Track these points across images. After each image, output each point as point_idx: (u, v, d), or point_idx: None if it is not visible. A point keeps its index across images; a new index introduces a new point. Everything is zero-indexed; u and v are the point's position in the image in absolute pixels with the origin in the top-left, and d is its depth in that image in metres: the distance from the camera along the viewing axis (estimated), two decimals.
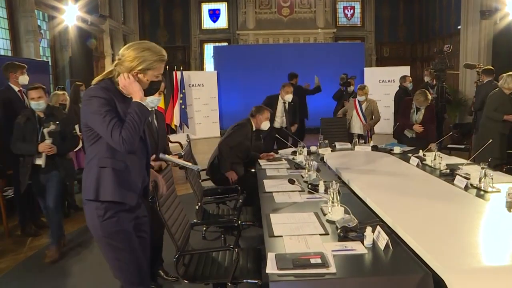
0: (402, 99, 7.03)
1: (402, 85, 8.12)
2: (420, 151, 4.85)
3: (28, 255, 4.49)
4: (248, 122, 5.13)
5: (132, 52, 2.26)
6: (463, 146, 7.68)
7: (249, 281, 2.64)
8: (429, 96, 5.76)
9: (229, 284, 2.63)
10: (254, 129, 5.14)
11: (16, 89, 4.85)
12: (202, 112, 12.69)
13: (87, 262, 4.32)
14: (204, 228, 4.11)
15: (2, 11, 7.20)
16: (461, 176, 3.58)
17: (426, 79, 8.49)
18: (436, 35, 14.16)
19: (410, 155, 4.79)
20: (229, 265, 2.66)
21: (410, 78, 8.73)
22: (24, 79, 4.86)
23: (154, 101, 3.29)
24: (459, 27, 11.97)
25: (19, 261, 4.34)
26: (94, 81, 2.33)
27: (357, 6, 16.29)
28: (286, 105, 6.74)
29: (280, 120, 6.87)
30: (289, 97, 6.70)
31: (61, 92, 5.76)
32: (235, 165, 4.84)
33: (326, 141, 5.45)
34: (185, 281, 2.66)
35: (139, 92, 2.24)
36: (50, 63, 8.24)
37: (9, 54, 7.21)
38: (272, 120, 6.79)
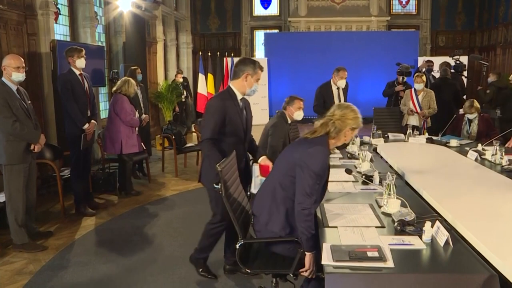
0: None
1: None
2: (479, 145, 4.63)
3: (82, 234, 4.66)
4: (282, 118, 4.89)
5: (351, 113, 2.64)
6: None
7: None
8: (476, 104, 5.55)
9: (290, 275, 2.58)
10: (289, 121, 4.93)
11: (77, 72, 4.97)
12: (252, 99, 12.48)
13: (137, 244, 4.43)
14: None
15: None
16: None
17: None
18: (499, 22, 13.42)
19: (467, 148, 4.59)
20: (291, 256, 2.56)
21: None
22: (81, 62, 4.96)
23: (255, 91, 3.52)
24: None
25: (75, 239, 4.51)
26: (314, 136, 2.64)
27: None
28: (340, 91, 6.42)
29: None
30: (342, 83, 6.30)
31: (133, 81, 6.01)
32: None
33: (379, 132, 5.31)
34: (246, 270, 2.63)
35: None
36: (105, 48, 8.43)
37: (68, 39, 7.44)
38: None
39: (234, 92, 3.43)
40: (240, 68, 3.40)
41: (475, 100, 5.64)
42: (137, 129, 5.99)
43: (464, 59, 10.48)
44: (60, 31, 7.32)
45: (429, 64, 8.94)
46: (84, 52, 5.00)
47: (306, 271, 2.48)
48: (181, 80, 10.74)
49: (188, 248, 4.22)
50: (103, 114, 8.70)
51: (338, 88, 6.26)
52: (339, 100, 6.32)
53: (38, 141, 4.18)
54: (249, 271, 2.63)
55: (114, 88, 5.92)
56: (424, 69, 8.63)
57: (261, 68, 3.44)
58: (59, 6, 7.25)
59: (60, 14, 7.31)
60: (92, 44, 7.47)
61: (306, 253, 2.46)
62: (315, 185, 2.49)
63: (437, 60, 9.93)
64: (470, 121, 5.63)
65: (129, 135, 5.82)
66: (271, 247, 2.69)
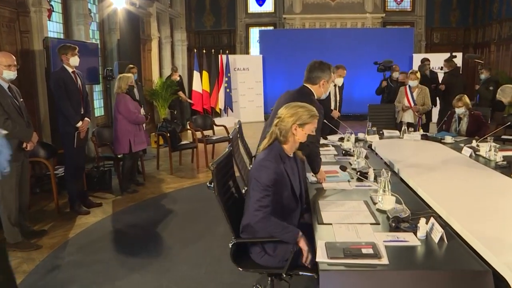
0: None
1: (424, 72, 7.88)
2: (474, 141, 4.64)
3: (77, 232, 4.64)
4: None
5: (291, 110, 2.60)
6: None
7: (305, 273, 2.52)
8: (466, 99, 5.50)
9: (284, 275, 2.55)
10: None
11: (70, 70, 4.93)
12: (247, 96, 12.69)
13: (132, 242, 4.41)
14: None
15: None
16: None
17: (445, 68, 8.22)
18: (493, 19, 13.47)
19: (462, 145, 4.59)
20: (285, 255, 2.52)
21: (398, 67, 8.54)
22: (74, 60, 4.92)
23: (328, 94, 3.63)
24: None
25: (69, 238, 4.48)
26: (263, 147, 2.65)
27: None
28: (336, 88, 6.39)
29: (333, 105, 6.33)
30: (340, 81, 6.26)
31: (128, 75, 6.02)
32: None
33: (374, 128, 5.31)
34: (239, 268, 2.62)
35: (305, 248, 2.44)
36: (99, 46, 8.39)
37: (62, 37, 7.40)
38: (328, 106, 6.27)
39: (313, 93, 3.42)
40: (317, 75, 3.38)
41: (465, 95, 5.62)
42: (144, 125, 6.05)
43: (459, 57, 10.55)
44: (54, 28, 7.28)
45: (425, 62, 8.95)
46: (77, 50, 4.97)
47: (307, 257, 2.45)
48: (178, 78, 10.71)
49: (183, 246, 4.22)
50: (97, 112, 8.67)
51: (335, 85, 6.24)
52: (335, 98, 6.31)
53: (31, 139, 4.15)
54: (241, 269, 2.62)
55: (114, 90, 5.98)
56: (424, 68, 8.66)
57: (334, 71, 3.43)
58: (52, 3, 7.20)
59: (53, 11, 7.27)
60: (86, 41, 7.43)
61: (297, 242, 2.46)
62: (265, 198, 2.45)
63: (433, 57, 9.98)
64: (460, 118, 5.62)
65: (136, 133, 5.87)
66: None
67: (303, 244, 2.43)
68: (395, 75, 8.44)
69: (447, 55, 9.28)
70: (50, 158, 5.53)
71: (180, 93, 10.64)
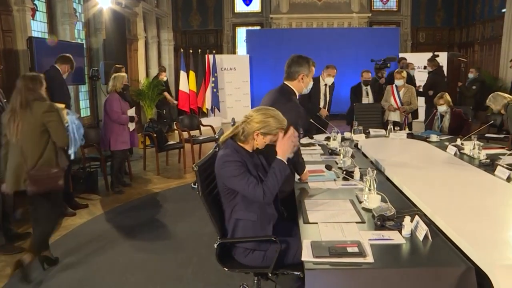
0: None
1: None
2: (458, 139, 4.69)
3: (62, 234, 4.60)
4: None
5: (260, 116, 2.58)
6: (502, 136, 7.38)
7: (290, 272, 2.51)
8: (447, 97, 5.57)
9: (270, 274, 2.53)
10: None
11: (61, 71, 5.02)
12: (234, 96, 12.68)
13: (118, 244, 4.39)
14: None
15: None
16: (503, 166, 3.43)
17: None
18: (476, 19, 13.64)
19: (447, 143, 4.64)
20: (271, 255, 2.51)
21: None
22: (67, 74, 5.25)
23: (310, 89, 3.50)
24: (503, 10, 11.45)
25: (55, 239, 4.43)
26: (222, 140, 2.65)
27: None
28: (327, 88, 6.43)
29: (323, 104, 6.38)
30: (329, 80, 6.27)
31: (123, 74, 6.07)
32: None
33: (360, 127, 5.33)
34: (224, 268, 2.60)
35: (287, 151, 2.57)
36: (84, 46, 8.32)
37: (46, 36, 7.32)
38: (317, 104, 6.38)
39: (294, 90, 3.35)
40: (294, 69, 3.31)
41: (446, 93, 5.68)
42: (130, 126, 5.97)
43: (443, 56, 10.68)
44: (38, 28, 7.20)
45: (403, 61, 9.03)
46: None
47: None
48: (165, 78, 10.66)
49: (170, 246, 4.20)
50: (83, 112, 8.61)
51: (325, 85, 6.27)
52: (325, 97, 6.35)
53: None
54: (226, 269, 2.60)
55: (108, 89, 6.01)
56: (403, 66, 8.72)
57: (314, 64, 3.37)
58: (36, 2, 7.12)
59: (37, 10, 7.19)
60: (71, 41, 7.36)
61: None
62: (249, 179, 2.46)
63: (416, 57, 10.03)
64: (442, 116, 5.68)
65: (119, 132, 5.86)
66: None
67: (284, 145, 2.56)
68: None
69: (429, 54, 9.35)
70: None
71: (166, 94, 10.56)
